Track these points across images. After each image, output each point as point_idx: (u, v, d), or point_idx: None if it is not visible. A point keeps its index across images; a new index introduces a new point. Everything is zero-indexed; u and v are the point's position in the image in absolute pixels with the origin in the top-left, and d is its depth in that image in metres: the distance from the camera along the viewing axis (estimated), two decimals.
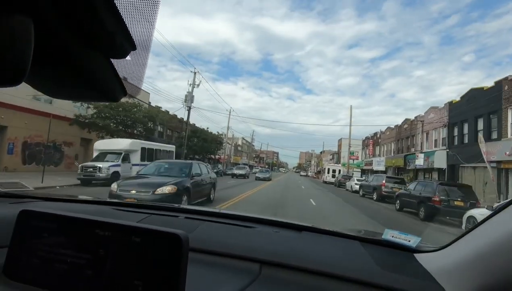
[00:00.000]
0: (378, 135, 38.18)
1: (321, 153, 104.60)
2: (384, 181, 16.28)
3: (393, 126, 33.16)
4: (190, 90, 28.30)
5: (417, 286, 0.79)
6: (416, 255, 0.95)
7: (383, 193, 16.00)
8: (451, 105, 21.26)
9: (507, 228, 0.62)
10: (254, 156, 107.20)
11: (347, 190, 25.09)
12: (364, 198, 18.46)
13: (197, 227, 1.12)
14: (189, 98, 28.14)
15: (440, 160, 20.71)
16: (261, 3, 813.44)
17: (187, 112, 27.73)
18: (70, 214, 0.59)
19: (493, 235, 0.66)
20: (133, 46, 0.46)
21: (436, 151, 21.65)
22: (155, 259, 0.51)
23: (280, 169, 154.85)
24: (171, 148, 20.32)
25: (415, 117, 27.13)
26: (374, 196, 16.97)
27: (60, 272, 0.54)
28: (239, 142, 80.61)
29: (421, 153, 21.71)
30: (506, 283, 0.62)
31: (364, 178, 29.86)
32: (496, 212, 0.69)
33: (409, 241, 0.99)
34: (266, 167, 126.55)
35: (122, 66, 0.49)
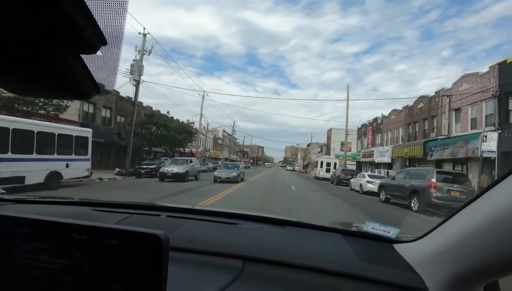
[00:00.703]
0: (379, 121, 31.96)
1: (308, 145, 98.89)
2: (434, 179, 9.58)
3: (400, 108, 26.93)
4: (137, 58, 20.73)
5: (395, 276, 0.80)
6: (396, 246, 0.97)
7: (435, 200, 9.33)
8: (502, 67, 14.92)
9: (479, 216, 0.63)
10: (237, 150, 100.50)
11: (352, 189, 18.51)
12: (390, 205, 11.87)
13: (179, 225, 1.10)
14: (136, 69, 20.55)
15: (488, 145, 14.42)
16: None
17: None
18: (43, 217, 0.56)
19: (466, 223, 0.67)
20: (103, 41, 0.44)
21: (482, 133, 15.29)
22: (134, 261, 0.50)
23: (266, 163, 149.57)
24: (82, 132, 12.50)
25: (436, 92, 20.82)
26: (415, 205, 10.19)
27: (35, 279, 0.53)
28: (220, 135, 73.16)
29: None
30: (480, 269, 0.63)
31: (377, 172, 23.35)
32: (469, 202, 0.69)
33: (389, 232, 1.02)
34: (250, 161, 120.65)
35: (93, 61, 0.48)
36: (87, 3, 0.39)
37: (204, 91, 38.65)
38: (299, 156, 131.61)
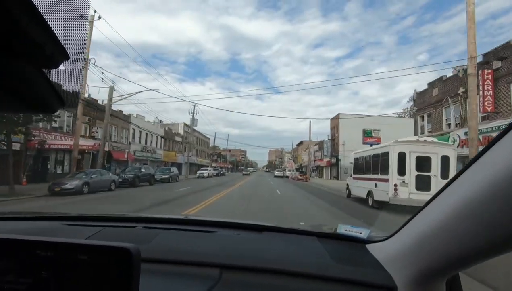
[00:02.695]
0: None
1: (298, 145, 79.02)
2: None
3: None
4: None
5: (366, 275, 0.83)
6: (368, 246, 1.00)
7: None
8: None
9: (440, 213, 0.65)
10: (212, 153, 79.52)
11: None
12: None
13: (155, 236, 1.07)
14: None
15: None
16: (227, 2, 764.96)
17: None
18: (4, 235, 0.53)
19: (429, 221, 0.68)
20: (65, 56, 0.43)
21: None
22: (104, 276, 0.48)
23: (248, 168, 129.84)
24: None
25: None
26: None
27: None
28: (180, 131, 51.65)
29: None
30: (443, 264, 0.66)
31: None
32: (434, 196, 0.69)
33: (361, 233, 1.05)
34: (229, 166, 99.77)
35: (57, 75, 0.47)
36: (46, 18, 0.37)
37: (95, 11, 17.59)
38: (285, 159, 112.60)
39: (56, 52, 0.42)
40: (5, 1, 0.33)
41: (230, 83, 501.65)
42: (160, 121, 48.11)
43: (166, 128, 45.22)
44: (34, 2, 0.36)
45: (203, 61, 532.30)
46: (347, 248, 1.02)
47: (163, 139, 43.35)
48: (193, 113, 39.34)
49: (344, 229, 1.10)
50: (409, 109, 54.50)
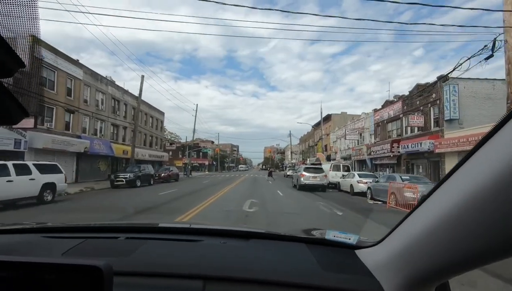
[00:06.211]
0: None
1: (316, 125, 52.97)
2: None
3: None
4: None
5: (354, 283, 0.81)
6: (357, 252, 0.98)
7: None
8: None
9: (431, 216, 0.61)
10: (177, 144, 53.63)
11: None
12: None
13: (137, 248, 1.04)
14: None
15: None
16: None
17: None
18: None
19: (420, 224, 0.65)
20: (20, 64, 0.41)
21: None
22: None
23: (240, 166, 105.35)
24: None
25: None
26: None
27: None
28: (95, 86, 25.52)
29: None
30: (434, 270, 0.63)
31: None
32: (421, 202, 0.68)
33: (349, 239, 1.05)
34: (210, 163, 73.13)
35: (15, 84, 0.44)
36: None
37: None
38: (288, 153, 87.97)
39: (8, 61, 0.39)
40: None
41: (226, 81, 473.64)
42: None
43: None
44: None
45: (198, 59, 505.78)
46: (336, 255, 1.00)
47: None
48: None
49: (332, 235, 1.09)
50: None
